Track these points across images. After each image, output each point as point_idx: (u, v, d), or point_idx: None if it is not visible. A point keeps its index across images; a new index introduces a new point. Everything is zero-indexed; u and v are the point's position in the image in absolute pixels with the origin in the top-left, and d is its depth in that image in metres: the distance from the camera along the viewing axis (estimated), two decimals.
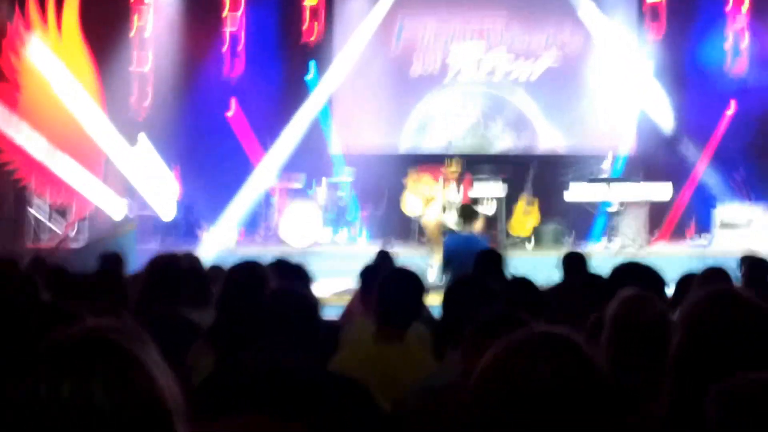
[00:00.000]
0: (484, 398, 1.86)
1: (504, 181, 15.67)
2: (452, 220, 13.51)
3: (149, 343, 1.69)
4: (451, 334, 4.02)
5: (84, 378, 1.56)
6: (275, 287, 4.27)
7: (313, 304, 3.95)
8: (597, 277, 5.75)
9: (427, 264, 12.69)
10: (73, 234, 15.58)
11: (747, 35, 17.29)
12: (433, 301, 5.58)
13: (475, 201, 14.45)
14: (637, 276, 4.87)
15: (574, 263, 7.56)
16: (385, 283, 4.77)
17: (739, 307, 2.62)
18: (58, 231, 15.61)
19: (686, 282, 5.69)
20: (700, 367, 2.56)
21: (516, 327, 2.05)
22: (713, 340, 2.56)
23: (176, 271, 6.12)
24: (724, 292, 2.81)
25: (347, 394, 3.42)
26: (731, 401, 1.95)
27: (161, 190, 16.39)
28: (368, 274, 6.43)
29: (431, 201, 14.56)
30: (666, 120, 17.01)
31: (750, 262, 7.18)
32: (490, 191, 15.34)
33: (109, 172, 16.53)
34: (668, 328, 3.22)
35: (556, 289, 6.31)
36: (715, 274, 5.69)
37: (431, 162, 15.18)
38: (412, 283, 4.77)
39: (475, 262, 7.29)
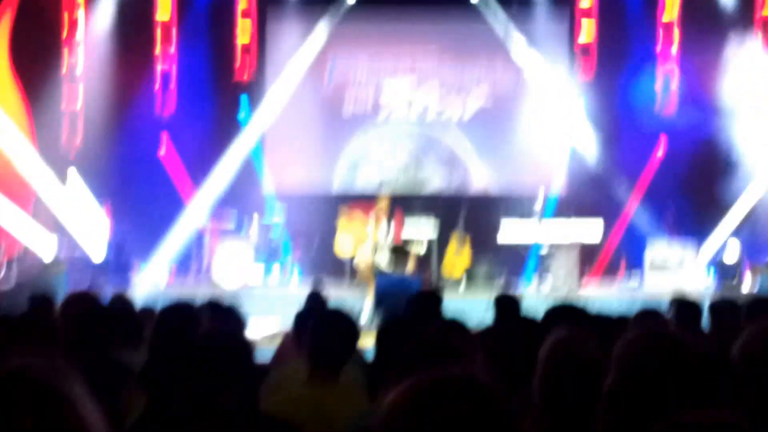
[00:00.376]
0: None
1: (436, 220, 15.75)
2: (384, 261, 13.53)
3: (76, 381, 1.69)
4: (384, 375, 4.02)
5: (12, 415, 1.55)
6: (207, 329, 4.26)
7: (245, 346, 3.94)
8: (530, 320, 5.78)
9: (359, 305, 12.68)
10: (1, 275, 15.35)
11: (677, 75, 17.55)
12: (366, 342, 5.58)
13: (407, 242, 14.48)
14: (569, 317, 4.92)
15: (507, 306, 7.59)
16: (317, 325, 4.78)
17: (671, 347, 2.67)
18: None
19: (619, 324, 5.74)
20: (633, 405, 2.60)
21: (440, 369, 2.00)
22: (646, 378, 2.60)
23: (102, 312, 6.07)
24: (656, 332, 2.85)
25: None
26: None
27: (92, 228, 16.23)
28: (301, 317, 6.43)
29: (363, 241, 14.58)
30: (597, 159, 17.18)
31: (679, 304, 7.27)
32: (421, 232, 15.39)
33: (39, 211, 16.37)
34: (600, 369, 3.25)
35: (487, 332, 6.34)
36: (649, 316, 5.77)
37: (363, 200, 15.21)
38: (343, 326, 4.78)
39: (412, 304, 7.30)
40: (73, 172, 16.55)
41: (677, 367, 2.63)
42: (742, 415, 1.95)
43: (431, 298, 7.57)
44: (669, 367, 2.62)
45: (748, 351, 3.63)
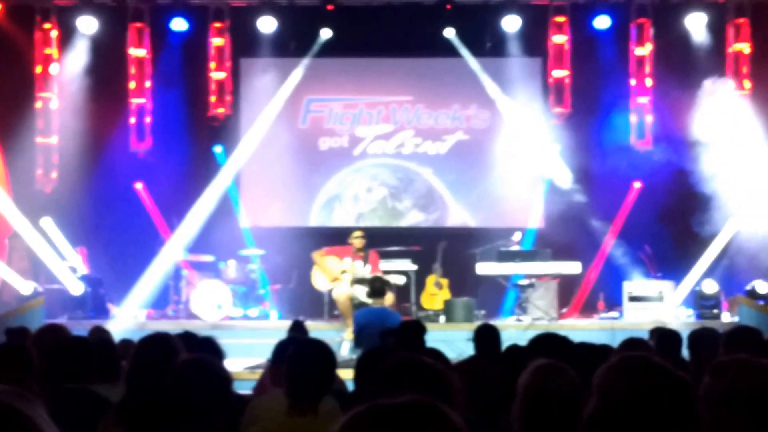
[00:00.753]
0: None
1: (414, 256, 15.78)
2: (362, 294, 13.52)
3: (40, 407, 1.69)
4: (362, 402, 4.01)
5: None
6: (185, 358, 4.25)
7: (224, 375, 3.92)
8: (511, 349, 5.80)
9: (340, 338, 12.67)
10: None
11: (652, 111, 17.66)
12: (347, 375, 5.57)
13: (386, 273, 14.49)
14: (550, 347, 4.93)
15: (487, 336, 7.62)
16: (295, 355, 4.78)
17: (652, 373, 2.68)
18: None
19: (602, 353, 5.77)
20: (614, 430, 2.60)
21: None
22: (628, 404, 2.60)
23: (75, 344, 6.05)
24: (637, 358, 2.86)
25: None
26: None
27: (69, 264, 16.18)
28: (281, 348, 6.42)
29: (339, 277, 14.57)
30: (573, 195, 17.22)
31: (660, 334, 7.32)
32: (399, 265, 15.42)
33: (16, 245, 16.31)
34: (581, 396, 3.26)
35: (468, 362, 6.35)
36: (634, 346, 5.80)
37: (338, 241, 15.19)
38: (322, 355, 4.79)
39: (396, 332, 7.33)
40: (47, 221, 16.47)
41: (658, 391, 2.63)
42: None
43: (415, 326, 7.60)
44: (650, 392, 2.63)
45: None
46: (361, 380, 4.60)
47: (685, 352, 7.09)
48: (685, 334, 7.23)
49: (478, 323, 8.29)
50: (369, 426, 1.79)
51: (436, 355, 5.37)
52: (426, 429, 1.79)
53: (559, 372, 3.55)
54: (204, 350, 5.81)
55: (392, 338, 7.27)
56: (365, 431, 1.79)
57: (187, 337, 6.16)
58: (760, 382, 3.38)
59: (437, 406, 1.84)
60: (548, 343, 5.12)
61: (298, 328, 8.00)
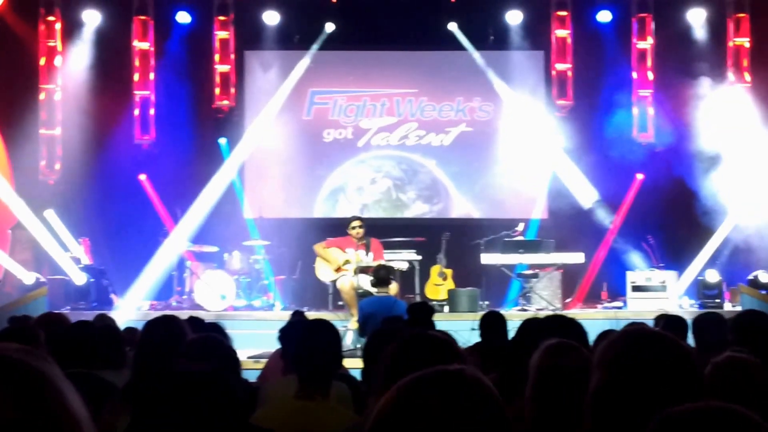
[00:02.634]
0: None
1: (418, 247, 15.75)
2: (367, 283, 13.46)
3: (56, 367, 1.63)
4: (374, 380, 3.97)
5: None
6: (194, 337, 4.18)
7: (233, 354, 3.86)
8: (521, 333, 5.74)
9: (344, 328, 12.60)
10: None
11: (653, 104, 17.66)
12: (352, 365, 5.51)
13: (389, 260, 14.45)
14: (560, 329, 4.86)
15: (494, 323, 7.57)
16: (301, 336, 4.74)
17: (654, 343, 2.63)
18: None
19: (605, 338, 5.70)
20: (619, 404, 2.56)
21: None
22: (631, 376, 2.56)
23: (79, 330, 6.00)
24: (638, 330, 2.82)
25: None
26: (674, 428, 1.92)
27: (70, 259, 16.13)
28: (286, 333, 6.37)
29: (342, 266, 14.52)
30: (576, 186, 17.21)
31: (665, 321, 7.27)
32: (404, 257, 15.37)
33: (19, 235, 16.29)
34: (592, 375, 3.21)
35: (476, 347, 6.34)
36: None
37: (342, 232, 15.12)
38: (327, 334, 4.75)
39: (408, 313, 7.31)
40: (50, 213, 16.46)
41: (661, 362, 2.58)
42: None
43: (424, 307, 7.57)
44: (653, 363, 2.58)
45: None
46: (369, 361, 4.53)
47: (689, 342, 7.04)
48: (688, 323, 7.18)
49: (482, 313, 8.23)
50: (417, 393, 1.81)
51: (446, 335, 5.32)
52: (464, 396, 1.80)
53: (570, 350, 3.49)
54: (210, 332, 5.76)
55: (400, 323, 7.22)
56: (413, 398, 1.80)
57: (194, 321, 6.11)
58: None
59: (466, 372, 1.86)
60: (559, 324, 5.05)
61: (299, 315, 7.97)
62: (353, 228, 14.36)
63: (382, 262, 13.49)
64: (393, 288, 12.84)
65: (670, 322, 7.15)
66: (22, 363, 1.56)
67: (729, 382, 3.66)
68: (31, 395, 1.53)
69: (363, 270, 13.96)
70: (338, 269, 14.46)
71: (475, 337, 7.61)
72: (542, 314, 14.09)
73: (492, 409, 1.82)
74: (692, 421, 1.90)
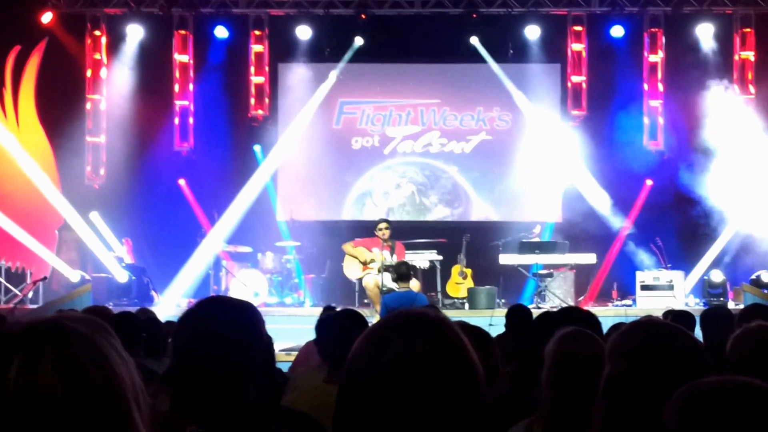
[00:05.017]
0: (352, 382, 1.74)
1: (440, 248, 15.75)
2: (389, 280, 13.49)
3: (114, 337, 1.59)
4: None
5: (31, 357, 1.45)
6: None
7: (267, 338, 3.85)
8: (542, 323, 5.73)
9: (369, 323, 12.59)
10: (30, 296, 15.35)
11: (663, 114, 17.64)
12: None
13: (411, 260, 14.49)
14: (575, 320, 4.86)
15: (520, 315, 7.54)
16: (333, 324, 4.78)
17: (664, 334, 2.62)
18: (17, 293, 15.40)
19: (617, 329, 5.69)
20: (630, 392, 2.55)
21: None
22: (642, 365, 2.55)
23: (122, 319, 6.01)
24: (649, 321, 2.82)
25: (305, 430, 3.31)
26: (693, 404, 1.91)
27: (113, 258, 16.22)
28: (321, 324, 6.38)
29: (369, 264, 14.54)
30: (590, 191, 17.19)
31: (673, 315, 7.24)
32: (426, 258, 15.39)
33: (66, 235, 16.42)
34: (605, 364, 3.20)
35: (501, 337, 6.37)
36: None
37: (369, 234, 15.13)
38: (358, 322, 4.78)
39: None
40: (95, 216, 16.60)
41: (670, 351, 2.58)
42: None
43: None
44: (662, 352, 2.58)
45: (742, 348, 3.61)
46: None
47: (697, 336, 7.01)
48: (697, 319, 7.14)
49: (499, 310, 8.20)
50: (394, 328, 1.76)
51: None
52: (427, 338, 1.73)
53: (585, 338, 3.49)
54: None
55: None
56: (389, 334, 1.75)
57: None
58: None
59: (438, 315, 1.80)
60: (574, 316, 5.04)
61: (331, 309, 7.99)
62: (380, 229, 14.40)
63: (404, 260, 13.51)
64: (415, 285, 12.84)
65: (677, 317, 7.11)
66: (70, 329, 1.51)
67: (758, 349, 3.59)
68: (72, 361, 1.46)
69: (387, 269, 13.98)
70: (364, 266, 14.49)
71: (492, 332, 7.59)
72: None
73: (453, 349, 1.74)
74: (716, 395, 1.89)
